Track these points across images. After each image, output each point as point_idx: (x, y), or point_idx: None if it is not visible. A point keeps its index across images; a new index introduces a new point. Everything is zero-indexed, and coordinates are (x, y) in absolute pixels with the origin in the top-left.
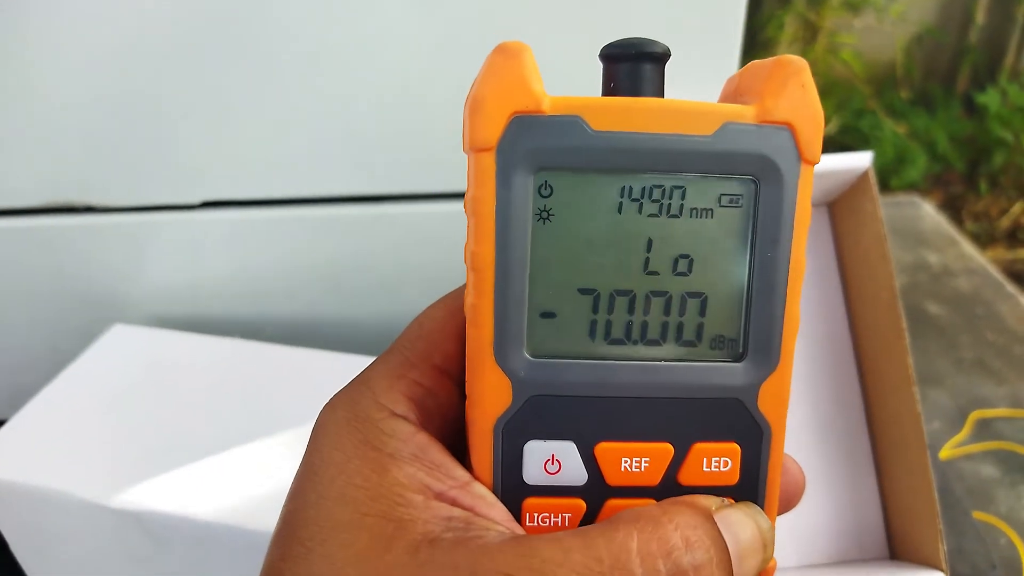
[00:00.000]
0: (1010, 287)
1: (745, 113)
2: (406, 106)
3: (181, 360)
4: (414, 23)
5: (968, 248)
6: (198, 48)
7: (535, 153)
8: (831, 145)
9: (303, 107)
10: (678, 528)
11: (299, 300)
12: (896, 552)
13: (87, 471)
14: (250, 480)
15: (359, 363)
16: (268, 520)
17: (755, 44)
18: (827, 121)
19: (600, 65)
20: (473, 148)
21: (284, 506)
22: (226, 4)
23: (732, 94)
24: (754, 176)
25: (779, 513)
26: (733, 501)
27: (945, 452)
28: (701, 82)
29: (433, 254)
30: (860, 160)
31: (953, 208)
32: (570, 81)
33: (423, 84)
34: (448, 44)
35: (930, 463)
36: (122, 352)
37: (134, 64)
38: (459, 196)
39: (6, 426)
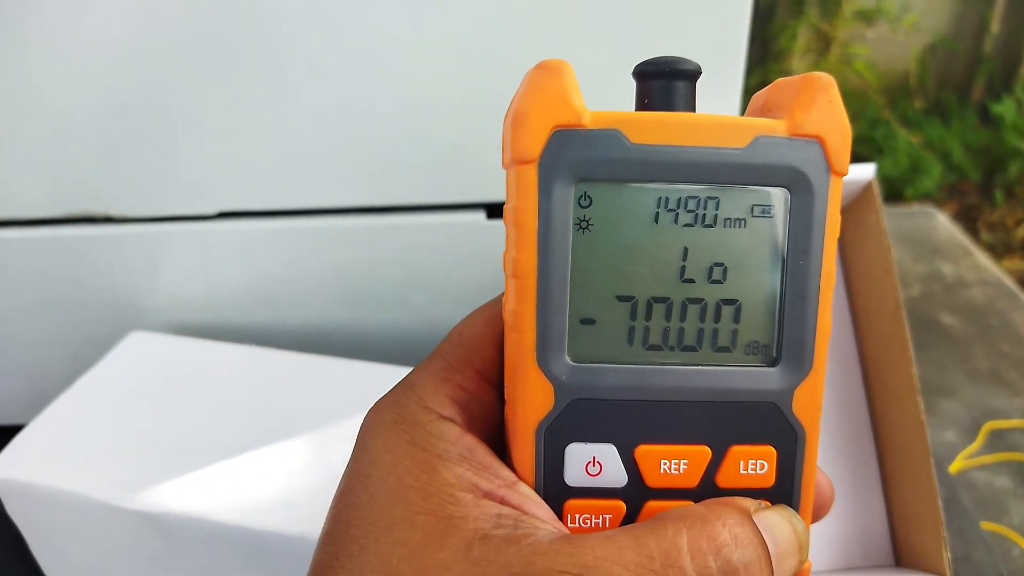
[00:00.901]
0: None
1: (776, 127)
2: (417, 118)
3: (196, 366)
4: (425, 37)
5: (983, 259)
6: (213, 60)
7: (576, 165)
8: None
9: (316, 120)
10: (726, 526)
11: (312, 308)
12: (901, 559)
13: (104, 474)
14: (263, 483)
15: (370, 370)
16: (281, 522)
17: (768, 54)
18: None
19: (627, 82)
20: (515, 161)
21: (332, 507)
22: (241, 16)
23: (760, 109)
24: (785, 187)
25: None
26: (769, 503)
27: (958, 463)
28: (707, 95)
29: (441, 263)
30: (864, 171)
31: (968, 218)
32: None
33: (434, 97)
34: (459, 57)
35: (934, 471)
36: (139, 358)
37: (150, 76)
38: (467, 207)
39: (26, 430)
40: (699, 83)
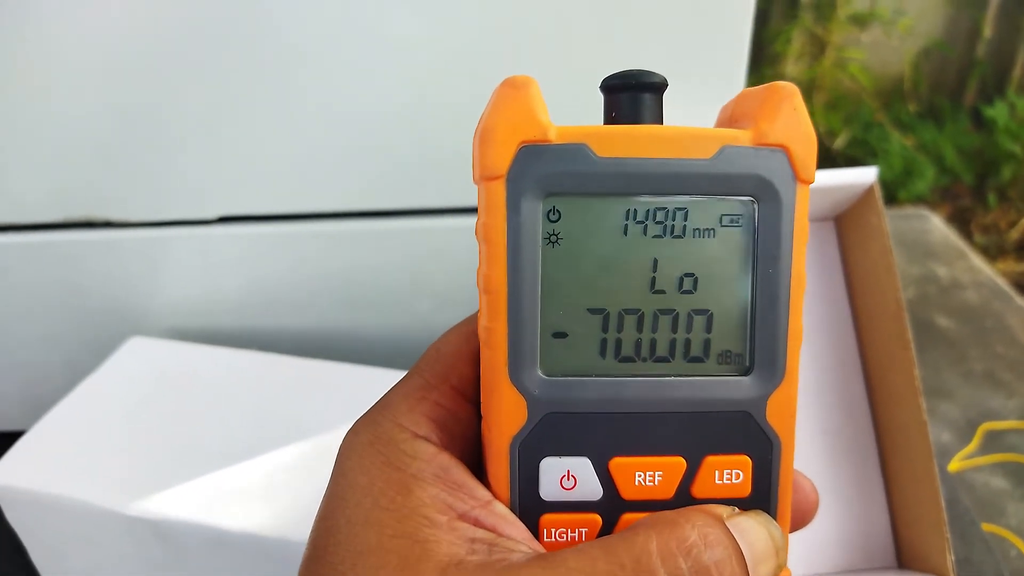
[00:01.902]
0: (1019, 300)
1: (741, 137)
2: (418, 123)
3: (196, 371)
4: (428, 41)
5: (977, 261)
6: (215, 65)
7: (543, 180)
8: (839, 158)
9: (317, 124)
10: (695, 527)
11: (312, 313)
12: (904, 561)
13: (104, 480)
14: (265, 488)
15: (370, 374)
16: (281, 528)
17: (762, 59)
18: (835, 135)
19: (600, 96)
20: (484, 177)
21: (312, 531)
22: (243, 21)
23: (727, 120)
24: (753, 196)
25: (792, 530)
26: (743, 511)
27: (955, 464)
28: (706, 103)
29: (443, 267)
30: (866, 174)
31: (962, 221)
32: (583, 93)
33: (435, 101)
34: (462, 60)
35: (937, 473)
36: (139, 364)
37: (151, 80)
38: (468, 211)
39: (26, 436)
40: (701, 89)
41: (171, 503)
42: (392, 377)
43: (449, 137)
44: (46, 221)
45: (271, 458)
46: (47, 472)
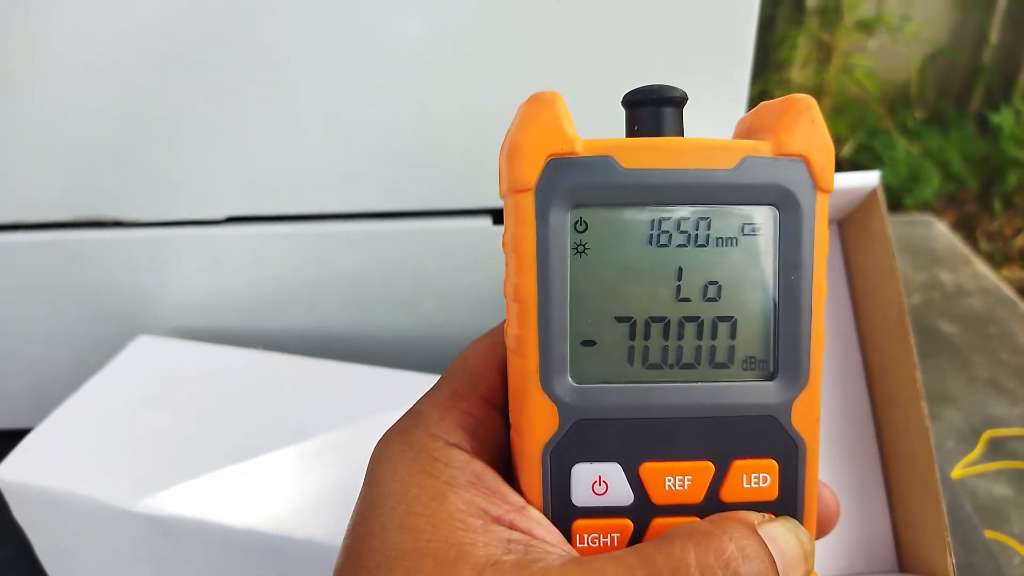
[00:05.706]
0: None
1: (762, 148)
2: (425, 125)
3: (203, 370)
4: (434, 44)
5: (982, 267)
6: (224, 64)
7: (571, 191)
8: (845, 164)
9: (325, 125)
10: (732, 539)
11: (319, 313)
12: (905, 565)
13: (111, 477)
14: (272, 487)
15: (378, 375)
16: (289, 526)
17: (768, 65)
18: (841, 141)
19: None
20: (512, 190)
21: (345, 538)
22: (252, 22)
23: (745, 132)
24: (774, 205)
25: (815, 538)
26: (773, 516)
27: (958, 471)
28: (708, 109)
29: (449, 269)
30: (869, 178)
31: (967, 227)
32: (577, 106)
33: (441, 103)
34: (468, 63)
35: (939, 476)
36: (146, 362)
37: (160, 80)
38: (474, 212)
39: (33, 433)
40: (705, 95)
41: (178, 501)
42: (398, 377)
43: (457, 139)
44: (55, 220)
45: (278, 457)
46: (54, 469)
